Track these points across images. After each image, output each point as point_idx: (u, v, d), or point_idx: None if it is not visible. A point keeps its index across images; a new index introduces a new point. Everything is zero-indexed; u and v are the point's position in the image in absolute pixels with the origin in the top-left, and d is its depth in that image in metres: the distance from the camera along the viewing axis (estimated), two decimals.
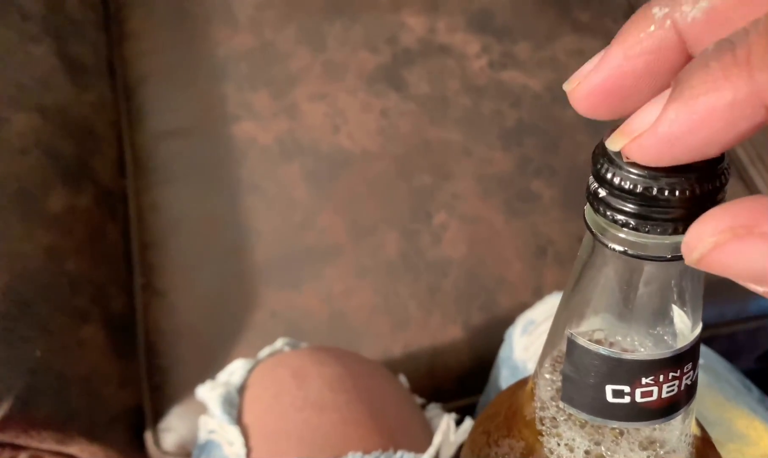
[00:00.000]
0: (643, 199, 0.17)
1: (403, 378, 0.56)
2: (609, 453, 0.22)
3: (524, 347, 0.55)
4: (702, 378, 0.21)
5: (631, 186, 0.17)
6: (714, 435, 0.25)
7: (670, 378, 0.20)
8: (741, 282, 0.15)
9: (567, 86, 0.19)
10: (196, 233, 0.73)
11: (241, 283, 0.70)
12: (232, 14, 0.87)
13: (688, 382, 0.21)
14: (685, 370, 0.20)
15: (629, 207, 0.17)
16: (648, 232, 0.17)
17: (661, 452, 0.22)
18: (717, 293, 0.66)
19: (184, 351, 0.67)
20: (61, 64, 0.77)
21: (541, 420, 0.23)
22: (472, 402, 0.64)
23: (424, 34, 0.86)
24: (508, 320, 0.60)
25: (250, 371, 0.51)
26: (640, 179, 0.17)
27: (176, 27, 0.87)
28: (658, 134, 0.16)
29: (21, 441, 0.55)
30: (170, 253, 0.72)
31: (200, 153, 0.78)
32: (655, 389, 0.20)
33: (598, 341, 0.21)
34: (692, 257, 0.16)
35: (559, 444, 0.22)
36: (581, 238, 0.20)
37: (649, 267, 0.19)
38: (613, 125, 0.18)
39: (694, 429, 0.23)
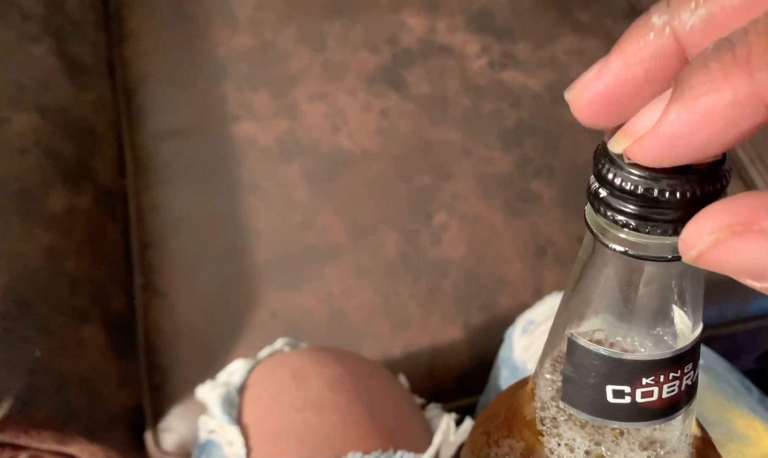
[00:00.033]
0: (644, 200, 0.17)
1: (403, 378, 0.56)
2: (609, 453, 0.22)
3: (524, 347, 0.55)
4: (702, 378, 0.21)
5: (632, 187, 0.17)
6: (714, 435, 0.25)
7: (670, 378, 0.20)
8: (739, 279, 0.15)
9: (568, 95, 0.19)
10: (196, 233, 0.73)
11: (241, 283, 0.70)
12: (232, 14, 0.87)
13: (689, 382, 0.21)
14: (685, 370, 0.20)
15: (630, 208, 0.17)
16: (649, 233, 0.17)
17: (662, 452, 0.22)
18: (717, 293, 0.66)
19: (184, 351, 0.67)
20: (61, 64, 0.77)
21: (542, 420, 0.23)
22: (472, 402, 0.64)
23: (424, 34, 0.86)
24: (508, 321, 0.60)
25: (250, 371, 0.51)
26: (641, 180, 0.17)
27: (176, 27, 0.87)
28: (660, 135, 0.16)
29: (21, 441, 0.55)
30: (170, 253, 0.72)
31: (200, 153, 0.78)
32: (656, 389, 0.20)
33: (598, 342, 0.21)
34: (690, 254, 0.16)
35: (559, 445, 0.22)
36: (581, 238, 0.20)
37: (649, 267, 0.19)
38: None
39: (695, 430, 0.23)
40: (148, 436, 0.65)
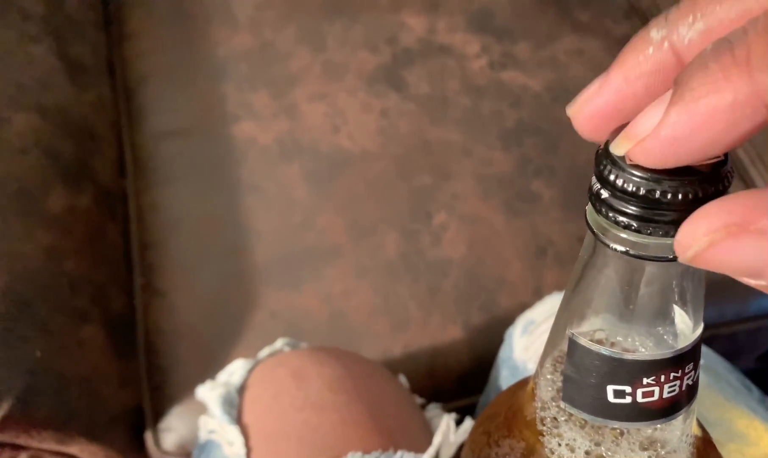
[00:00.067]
0: (646, 201, 0.17)
1: (403, 378, 0.56)
2: (610, 453, 0.22)
3: (524, 347, 0.55)
4: (702, 378, 0.21)
5: (634, 188, 0.17)
6: (714, 435, 0.25)
7: (671, 378, 0.20)
8: (736, 277, 0.15)
9: (570, 110, 0.19)
10: (196, 233, 0.73)
11: (241, 283, 0.70)
12: (232, 14, 0.87)
13: (690, 382, 0.21)
14: (686, 370, 0.20)
15: (631, 209, 0.17)
16: (650, 234, 0.17)
17: (662, 452, 0.22)
18: (717, 293, 0.66)
19: (184, 351, 0.67)
20: (61, 64, 0.77)
21: (542, 420, 0.23)
22: (472, 402, 0.64)
23: (424, 34, 0.86)
24: (507, 321, 0.60)
25: (250, 371, 0.51)
26: (643, 181, 0.17)
27: (176, 27, 0.87)
28: (661, 137, 0.16)
29: (21, 440, 0.55)
30: (170, 253, 0.72)
31: (200, 153, 0.78)
32: (657, 389, 0.20)
33: (599, 342, 0.21)
34: (686, 255, 0.16)
35: (560, 445, 0.22)
36: (581, 238, 0.20)
37: (650, 267, 0.19)
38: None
39: (695, 430, 0.23)
40: (148, 436, 0.65)
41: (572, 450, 0.22)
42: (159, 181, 0.76)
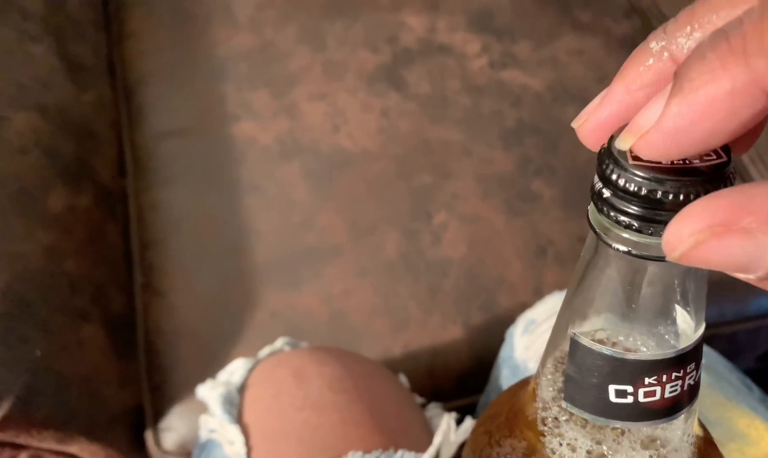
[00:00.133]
0: (648, 202, 0.17)
1: (403, 378, 0.56)
2: (611, 452, 0.22)
3: (525, 346, 0.55)
4: (702, 377, 0.20)
5: (636, 188, 0.17)
6: (715, 434, 0.25)
7: (673, 377, 0.20)
8: (727, 273, 0.16)
9: (575, 124, 0.19)
10: (196, 233, 0.73)
11: (241, 283, 0.70)
12: (232, 14, 0.87)
13: (691, 382, 0.21)
14: (688, 370, 0.20)
15: (633, 209, 0.17)
16: (651, 234, 0.17)
17: (664, 451, 0.22)
18: (717, 293, 0.66)
19: (184, 350, 0.67)
20: (61, 64, 0.77)
21: (543, 420, 0.23)
22: (473, 401, 0.64)
23: (424, 33, 0.86)
24: (508, 320, 0.60)
25: (251, 370, 0.51)
26: (645, 181, 0.17)
27: (176, 27, 0.87)
28: (663, 129, 0.16)
29: (21, 440, 0.55)
30: (170, 253, 0.72)
31: (200, 153, 0.78)
32: (658, 389, 0.20)
33: (600, 342, 0.21)
34: (673, 255, 0.16)
35: (561, 444, 0.22)
36: (582, 238, 0.20)
37: (652, 267, 0.19)
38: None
39: (697, 429, 0.23)
40: (149, 436, 0.65)
41: (573, 450, 0.22)
42: (159, 181, 0.76)
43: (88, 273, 0.66)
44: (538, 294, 0.67)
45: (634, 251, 0.18)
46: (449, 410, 0.53)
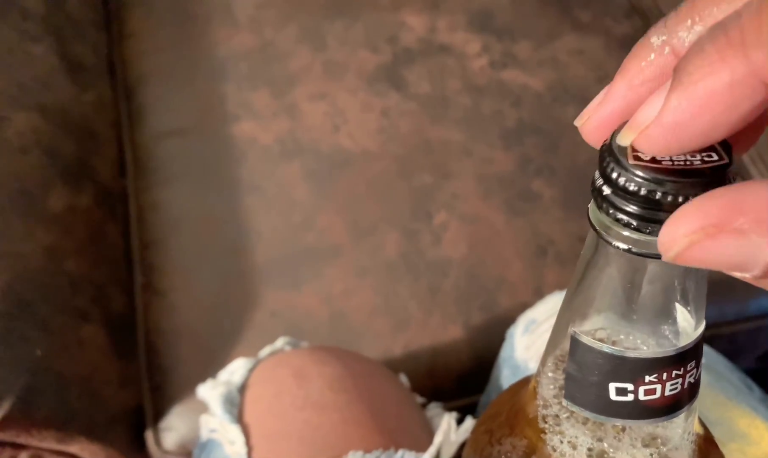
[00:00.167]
0: (647, 202, 0.17)
1: (403, 378, 0.56)
2: (612, 450, 0.22)
3: (526, 346, 0.55)
4: (703, 377, 0.21)
5: (636, 188, 0.17)
6: (715, 434, 0.25)
7: (673, 376, 0.20)
8: (723, 271, 0.16)
9: (578, 122, 0.19)
10: (196, 233, 0.73)
11: (241, 283, 0.70)
12: (232, 14, 0.87)
13: (692, 380, 0.21)
14: (688, 368, 0.20)
15: (633, 208, 0.17)
16: (649, 233, 0.17)
17: (664, 449, 0.22)
18: (718, 293, 0.66)
19: (184, 350, 0.67)
20: (61, 64, 0.77)
21: (544, 418, 0.23)
22: (473, 401, 0.64)
23: (424, 33, 0.86)
24: (508, 320, 0.60)
25: (251, 370, 0.51)
26: (645, 182, 0.17)
27: (176, 27, 0.87)
28: (663, 123, 0.16)
29: (21, 440, 0.55)
30: (170, 253, 0.72)
31: (200, 153, 0.78)
32: (659, 387, 0.20)
33: (601, 340, 0.21)
34: (669, 255, 0.16)
35: (562, 442, 0.22)
36: (582, 237, 0.20)
37: (652, 265, 0.19)
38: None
39: (697, 428, 0.23)
40: (149, 435, 0.65)
41: (574, 448, 0.22)
42: (159, 181, 0.76)
43: (88, 273, 0.66)
44: (538, 294, 0.67)
45: (633, 249, 0.18)
46: (450, 410, 0.53)
